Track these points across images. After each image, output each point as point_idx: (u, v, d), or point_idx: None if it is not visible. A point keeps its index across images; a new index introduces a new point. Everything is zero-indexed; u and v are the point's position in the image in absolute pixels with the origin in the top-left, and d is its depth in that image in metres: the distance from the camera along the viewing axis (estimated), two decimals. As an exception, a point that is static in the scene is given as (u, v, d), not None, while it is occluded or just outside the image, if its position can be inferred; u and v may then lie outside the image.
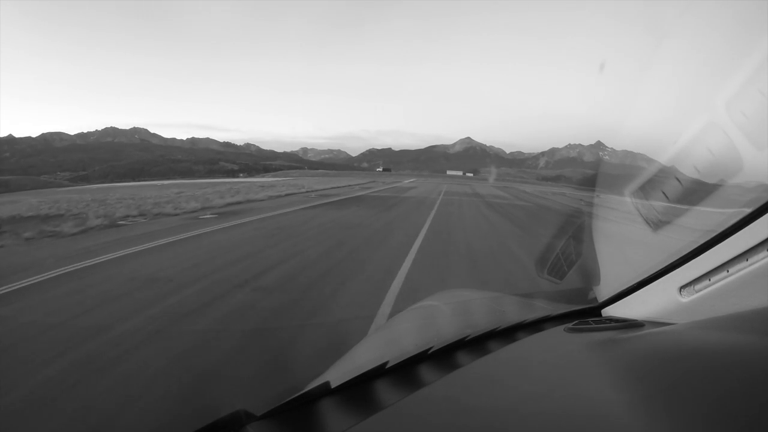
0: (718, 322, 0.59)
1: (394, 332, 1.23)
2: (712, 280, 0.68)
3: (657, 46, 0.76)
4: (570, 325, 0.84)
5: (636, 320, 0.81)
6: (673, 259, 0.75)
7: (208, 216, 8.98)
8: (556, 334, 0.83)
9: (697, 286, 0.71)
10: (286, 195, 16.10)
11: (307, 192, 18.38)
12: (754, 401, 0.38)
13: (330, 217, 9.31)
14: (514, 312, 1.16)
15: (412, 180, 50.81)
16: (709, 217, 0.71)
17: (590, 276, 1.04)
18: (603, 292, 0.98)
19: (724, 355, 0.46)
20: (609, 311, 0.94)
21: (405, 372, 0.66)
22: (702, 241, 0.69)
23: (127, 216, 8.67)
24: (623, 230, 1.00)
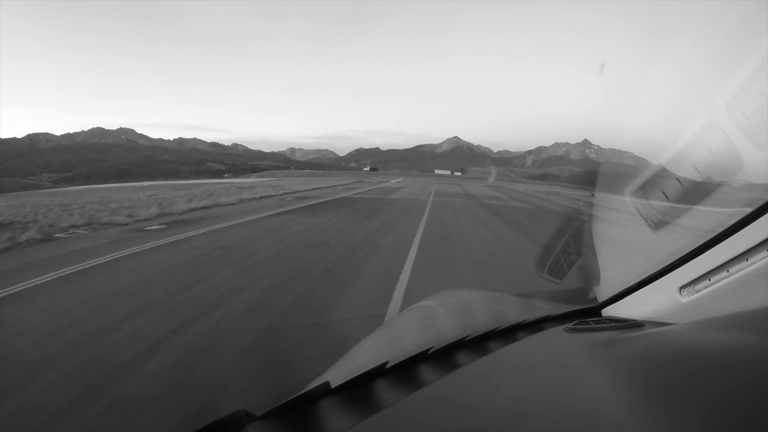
0: (718, 322, 0.59)
1: (394, 332, 1.23)
2: (712, 280, 0.68)
3: (657, 45, 0.76)
4: (570, 325, 0.85)
5: (636, 320, 0.81)
6: (673, 259, 0.76)
7: (155, 227, 7.86)
8: (556, 334, 0.83)
9: (697, 286, 0.71)
10: (261, 198, 14.60)
11: (285, 194, 16.79)
12: (754, 401, 0.38)
13: (298, 228, 7.74)
14: (514, 312, 1.17)
15: (399, 180, 47.65)
16: (709, 217, 0.71)
17: (590, 276, 1.04)
18: (603, 292, 0.98)
19: (724, 355, 0.46)
20: (609, 311, 0.94)
21: (405, 372, 0.66)
22: (702, 241, 0.69)
23: (71, 226, 7.91)
24: (623, 230, 1.00)
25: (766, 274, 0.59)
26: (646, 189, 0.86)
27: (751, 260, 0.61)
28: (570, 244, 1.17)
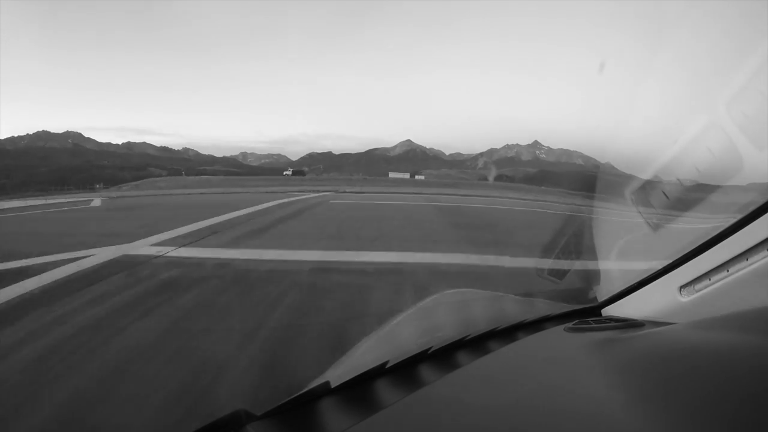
0: (718, 322, 0.59)
1: (394, 332, 1.22)
2: (712, 280, 0.68)
3: (657, 46, 0.76)
4: (570, 324, 0.84)
5: (636, 320, 0.81)
6: (673, 259, 0.76)
7: None
8: (556, 333, 0.83)
9: (697, 286, 0.71)
10: None
11: None
12: (754, 400, 0.38)
13: None
14: (514, 312, 1.16)
15: (307, 196, 13.32)
16: (708, 218, 0.71)
17: (590, 276, 1.04)
18: (603, 291, 0.98)
19: (723, 355, 0.46)
20: (609, 311, 0.94)
21: (405, 372, 0.66)
22: (702, 241, 0.69)
23: None
24: (624, 231, 1.00)
25: (766, 274, 0.59)
26: (646, 190, 0.86)
27: (751, 260, 0.61)
28: (570, 244, 1.17)
